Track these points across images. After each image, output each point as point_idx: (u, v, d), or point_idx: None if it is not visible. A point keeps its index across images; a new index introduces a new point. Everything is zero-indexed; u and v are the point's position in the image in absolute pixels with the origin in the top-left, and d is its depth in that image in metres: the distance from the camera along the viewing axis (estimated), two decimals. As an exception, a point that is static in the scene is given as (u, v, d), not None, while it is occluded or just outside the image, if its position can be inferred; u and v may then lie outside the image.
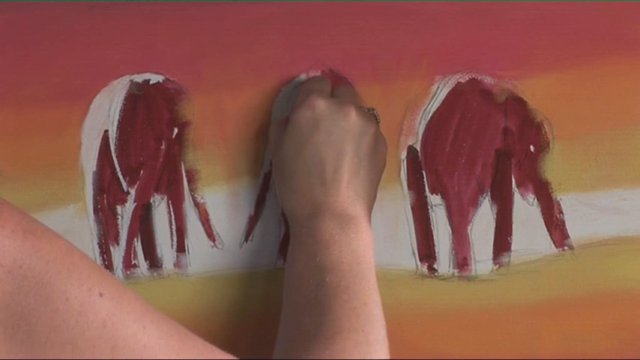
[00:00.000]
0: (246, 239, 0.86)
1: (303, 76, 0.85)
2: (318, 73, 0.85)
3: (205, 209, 0.86)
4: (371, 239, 0.76)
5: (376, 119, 0.82)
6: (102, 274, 0.60)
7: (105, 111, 0.86)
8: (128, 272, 0.86)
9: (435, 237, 0.84)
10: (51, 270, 0.58)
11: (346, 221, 0.75)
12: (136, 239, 0.86)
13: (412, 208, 0.85)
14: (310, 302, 0.72)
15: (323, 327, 0.69)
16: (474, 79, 0.84)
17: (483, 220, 0.84)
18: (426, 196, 0.85)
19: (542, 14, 0.83)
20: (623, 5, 0.83)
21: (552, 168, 0.84)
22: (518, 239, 0.84)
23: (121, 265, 0.86)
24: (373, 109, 0.82)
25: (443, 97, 0.84)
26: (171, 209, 0.86)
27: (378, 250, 0.84)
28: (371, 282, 0.73)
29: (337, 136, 0.77)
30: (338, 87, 0.84)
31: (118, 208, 0.86)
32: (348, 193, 0.77)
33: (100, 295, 0.59)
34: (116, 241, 0.86)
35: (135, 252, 0.86)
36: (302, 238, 0.76)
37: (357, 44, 0.85)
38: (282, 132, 0.80)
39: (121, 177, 0.86)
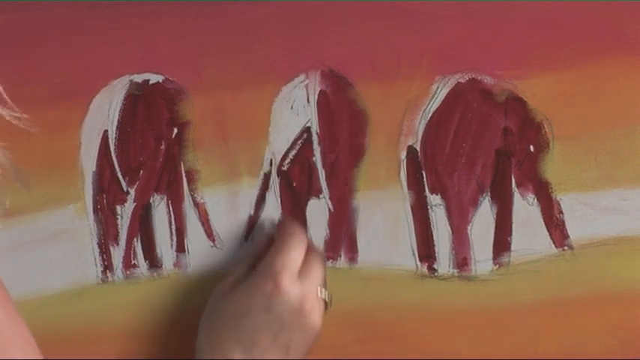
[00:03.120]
0: (246, 239, 0.86)
1: (302, 77, 0.85)
2: (318, 73, 0.85)
3: (205, 209, 0.86)
4: None
5: (326, 306, 0.82)
6: None
7: (105, 111, 0.86)
8: (128, 272, 0.86)
9: (434, 237, 0.84)
10: None
11: None
12: (135, 239, 0.86)
13: (412, 208, 0.85)
14: None
15: None
16: (474, 79, 0.84)
17: (483, 220, 0.84)
18: (425, 196, 0.85)
19: (542, 14, 0.83)
20: (623, 5, 0.83)
21: (552, 168, 0.84)
22: (518, 239, 0.84)
23: (120, 265, 0.86)
24: (328, 296, 0.82)
25: (443, 97, 0.84)
26: (171, 209, 0.86)
27: (378, 250, 0.84)
28: None
29: (281, 328, 0.78)
30: (309, 254, 0.81)
31: (118, 208, 0.86)
32: None
33: None
34: (116, 241, 0.86)
35: (135, 252, 0.86)
36: None
37: (357, 44, 0.85)
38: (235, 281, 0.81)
39: (120, 177, 0.86)
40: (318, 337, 0.80)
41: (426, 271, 0.85)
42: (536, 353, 0.84)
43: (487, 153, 0.84)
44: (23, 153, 0.86)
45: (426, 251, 0.84)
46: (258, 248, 0.84)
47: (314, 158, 0.85)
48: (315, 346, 0.82)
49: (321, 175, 0.85)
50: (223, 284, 0.82)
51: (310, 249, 0.82)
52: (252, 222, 0.86)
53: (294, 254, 0.80)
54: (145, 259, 0.86)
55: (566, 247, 0.84)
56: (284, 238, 0.81)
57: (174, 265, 0.86)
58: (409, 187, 0.85)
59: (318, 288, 0.80)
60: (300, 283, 0.79)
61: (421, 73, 0.84)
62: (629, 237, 0.83)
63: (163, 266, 0.86)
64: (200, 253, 0.86)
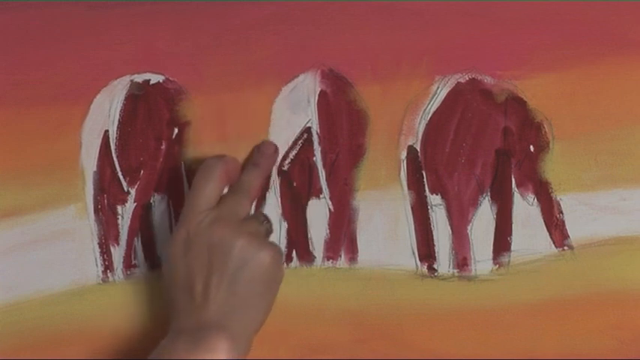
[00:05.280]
0: (246, 239, 0.86)
1: (302, 77, 0.85)
2: (318, 73, 0.85)
3: (205, 209, 0.86)
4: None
5: (263, 225, 0.81)
6: None
7: (105, 111, 0.86)
8: (128, 272, 0.86)
9: (435, 237, 0.84)
10: None
11: (201, 340, 0.74)
12: (136, 239, 0.86)
13: (412, 208, 0.85)
14: None
15: None
16: (473, 79, 0.84)
17: (483, 220, 0.84)
18: (426, 196, 0.85)
19: (542, 14, 0.83)
20: (623, 5, 0.83)
21: (552, 168, 0.84)
22: (518, 239, 0.84)
23: (121, 265, 0.86)
24: (261, 216, 0.82)
25: (443, 97, 0.84)
26: (172, 209, 0.86)
27: (378, 250, 0.84)
28: None
29: (208, 254, 0.76)
30: (240, 178, 0.82)
31: (119, 208, 0.86)
32: (215, 311, 0.75)
33: None
34: (116, 241, 0.86)
35: (135, 252, 0.86)
36: (160, 350, 0.75)
37: (357, 44, 0.85)
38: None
39: (121, 177, 0.86)
40: (275, 267, 0.77)
41: (426, 271, 0.85)
42: (536, 353, 0.84)
43: (487, 153, 0.84)
44: (23, 153, 0.86)
45: (426, 251, 0.84)
46: None
47: (314, 158, 0.86)
48: (316, 345, 0.83)
49: (321, 175, 0.85)
50: None
51: (240, 176, 0.82)
52: (252, 222, 0.86)
53: (200, 192, 0.79)
54: (146, 259, 0.86)
55: (566, 247, 0.84)
56: (195, 178, 0.80)
57: (175, 265, 0.86)
58: (409, 187, 0.85)
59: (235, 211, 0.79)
60: (215, 212, 0.78)
61: (421, 73, 0.84)
62: (629, 237, 0.83)
63: (163, 266, 0.86)
64: (200, 253, 0.86)
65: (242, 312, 0.76)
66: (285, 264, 0.84)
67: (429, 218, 0.85)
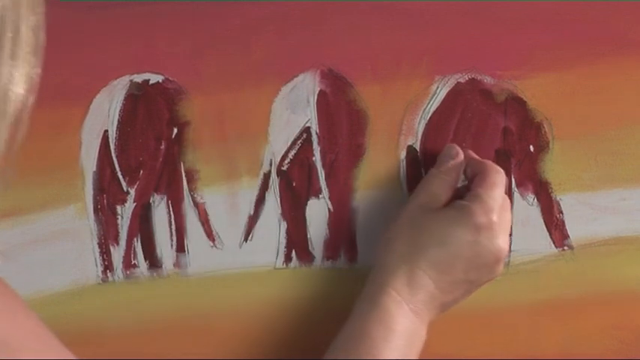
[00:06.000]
0: (246, 239, 0.86)
1: (301, 77, 0.85)
2: (318, 73, 0.85)
3: (205, 209, 0.86)
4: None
5: None
6: None
7: (105, 111, 0.86)
8: (128, 272, 0.86)
9: (434, 237, 0.84)
10: None
11: (416, 326, 0.78)
12: (135, 239, 0.86)
13: (412, 208, 0.84)
14: None
15: None
16: (473, 79, 0.84)
17: (483, 220, 0.84)
18: (425, 196, 0.85)
19: (542, 14, 0.83)
20: (623, 5, 0.83)
21: (552, 168, 0.84)
22: (518, 239, 0.84)
23: (120, 265, 0.86)
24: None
25: (442, 97, 0.84)
26: (171, 209, 0.86)
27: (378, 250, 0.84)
28: None
29: (476, 265, 0.77)
30: None
31: (118, 208, 0.86)
32: (441, 302, 0.78)
33: None
34: (116, 241, 0.86)
35: (135, 252, 0.86)
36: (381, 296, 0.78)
37: (357, 44, 0.85)
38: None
39: (120, 177, 0.86)
40: None
41: (426, 271, 0.84)
42: (536, 353, 0.84)
43: (487, 153, 0.84)
44: (23, 153, 0.86)
45: (426, 251, 0.84)
46: (457, 172, 0.82)
47: (314, 158, 0.85)
48: (315, 345, 0.83)
49: (321, 175, 0.85)
50: (419, 198, 0.80)
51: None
52: (252, 222, 0.86)
53: (500, 193, 0.78)
54: (145, 259, 0.86)
55: (565, 247, 0.84)
56: (491, 172, 0.79)
57: (174, 265, 0.86)
58: (409, 188, 0.85)
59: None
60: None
61: (421, 73, 0.84)
62: (629, 237, 0.83)
63: (163, 266, 0.86)
64: (200, 253, 0.86)
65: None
66: (283, 261, 0.85)
67: (428, 218, 0.84)
